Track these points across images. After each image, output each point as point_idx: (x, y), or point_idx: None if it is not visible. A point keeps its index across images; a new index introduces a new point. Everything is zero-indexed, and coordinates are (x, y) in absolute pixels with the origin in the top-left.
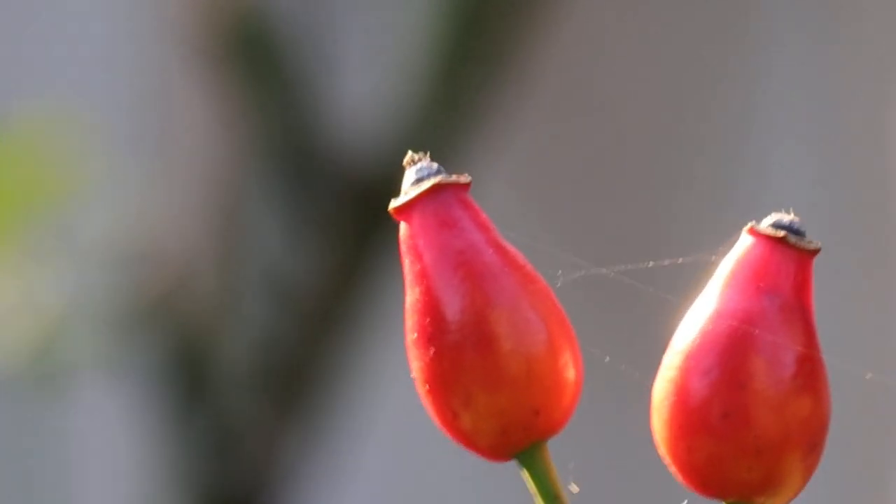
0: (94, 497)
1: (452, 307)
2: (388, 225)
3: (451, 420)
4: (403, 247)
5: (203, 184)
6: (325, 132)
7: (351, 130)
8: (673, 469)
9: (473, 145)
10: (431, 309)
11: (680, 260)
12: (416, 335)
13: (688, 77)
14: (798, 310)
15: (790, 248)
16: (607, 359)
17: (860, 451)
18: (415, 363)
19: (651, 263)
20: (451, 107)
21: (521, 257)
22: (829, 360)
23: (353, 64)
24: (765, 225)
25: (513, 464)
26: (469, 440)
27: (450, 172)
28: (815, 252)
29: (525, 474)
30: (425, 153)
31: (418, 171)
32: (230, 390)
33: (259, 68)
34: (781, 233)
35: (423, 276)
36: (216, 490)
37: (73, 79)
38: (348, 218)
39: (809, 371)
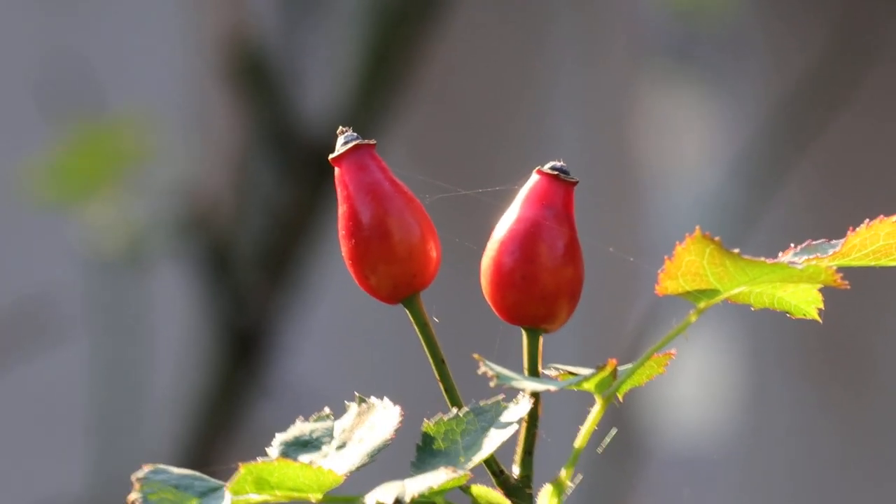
0: (167, 333)
1: (365, 216)
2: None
3: (364, 280)
4: (337, 181)
5: (227, 154)
6: (296, 119)
7: (313, 118)
8: (493, 307)
9: (384, 123)
10: (352, 217)
11: (497, 188)
12: (343, 232)
13: (507, 83)
14: (565, 216)
15: (560, 181)
16: (457, 239)
17: (605, 301)
18: (343, 249)
19: (480, 190)
20: (371, 101)
21: (405, 186)
22: (588, 241)
23: (312, 74)
24: (546, 167)
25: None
26: (375, 291)
27: (364, 138)
28: (575, 183)
29: (407, 312)
30: (349, 127)
31: (345, 137)
32: (243, 269)
33: (257, 81)
34: (555, 172)
35: (347, 198)
36: (237, 325)
37: (148, 87)
38: (312, 169)
39: (571, 252)
